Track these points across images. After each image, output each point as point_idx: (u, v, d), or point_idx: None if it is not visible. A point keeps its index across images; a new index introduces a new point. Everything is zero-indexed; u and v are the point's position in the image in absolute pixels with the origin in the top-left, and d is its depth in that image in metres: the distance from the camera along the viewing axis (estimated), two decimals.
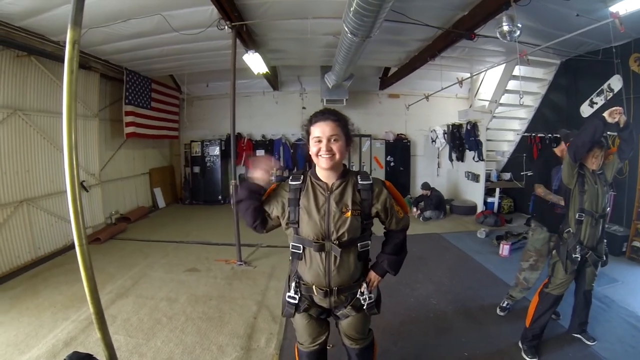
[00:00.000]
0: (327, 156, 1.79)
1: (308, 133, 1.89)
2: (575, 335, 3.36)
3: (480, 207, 8.53)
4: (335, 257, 1.85)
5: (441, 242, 6.57)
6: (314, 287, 1.93)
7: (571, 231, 2.99)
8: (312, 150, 1.84)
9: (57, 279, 4.92)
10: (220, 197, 10.47)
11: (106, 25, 5.33)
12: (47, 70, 5.94)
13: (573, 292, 3.32)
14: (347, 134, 1.88)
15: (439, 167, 10.84)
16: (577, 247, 2.94)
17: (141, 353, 3.22)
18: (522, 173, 8.22)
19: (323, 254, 1.86)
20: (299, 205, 1.88)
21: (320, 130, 1.80)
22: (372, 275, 2.04)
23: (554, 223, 3.43)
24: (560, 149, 3.71)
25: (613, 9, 4.19)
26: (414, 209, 8.48)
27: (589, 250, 2.98)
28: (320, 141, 1.80)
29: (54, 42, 5.68)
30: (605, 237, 3.13)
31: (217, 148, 10.45)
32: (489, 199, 8.58)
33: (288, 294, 2.02)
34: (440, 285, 4.60)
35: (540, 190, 3.77)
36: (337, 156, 1.81)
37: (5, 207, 5.25)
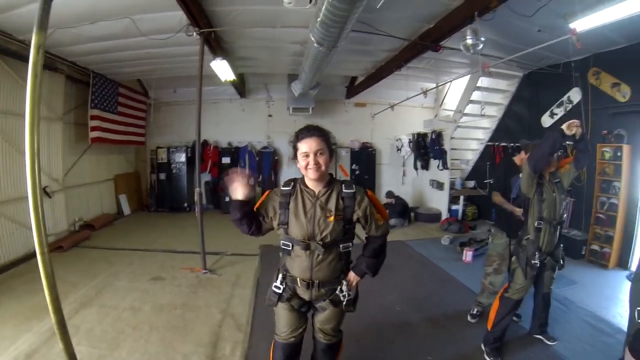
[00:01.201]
0: (315, 168, 2.02)
1: (295, 149, 2.13)
2: (536, 336, 3.52)
3: (444, 215, 8.73)
4: (318, 255, 2.10)
5: (406, 249, 6.68)
6: (298, 279, 2.18)
7: (530, 238, 3.14)
8: (301, 163, 2.07)
9: (18, 289, 4.75)
10: (186, 204, 10.30)
11: (74, 26, 5.22)
12: (10, 69, 5.72)
13: (533, 295, 3.48)
14: (330, 147, 2.12)
15: (404, 175, 11.06)
16: (536, 253, 3.08)
17: None
18: (485, 181, 8.48)
19: (308, 252, 2.10)
20: (288, 208, 2.13)
21: (308, 146, 2.04)
22: (352, 275, 2.26)
23: (513, 228, 3.61)
24: (520, 158, 3.89)
25: (572, 25, 4.42)
26: None
27: (547, 255, 3.14)
28: (307, 155, 2.04)
29: (19, 41, 5.49)
30: (565, 241, 3.35)
31: (184, 155, 10.31)
32: (454, 207, 8.81)
33: (274, 284, 2.26)
34: (405, 292, 4.69)
35: (497, 198, 3.98)
36: (323, 167, 2.05)
37: None
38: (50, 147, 6.90)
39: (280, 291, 2.23)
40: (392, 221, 8.29)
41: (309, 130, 2.08)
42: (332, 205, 2.09)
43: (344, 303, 2.23)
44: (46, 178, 6.69)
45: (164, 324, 3.84)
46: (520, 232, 3.29)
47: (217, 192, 10.54)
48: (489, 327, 3.33)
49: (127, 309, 4.19)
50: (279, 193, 2.18)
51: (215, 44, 5.80)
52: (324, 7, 3.56)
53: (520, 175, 3.25)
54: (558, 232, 3.17)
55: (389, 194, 8.94)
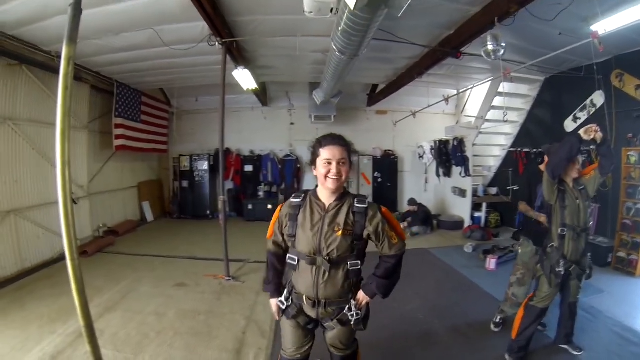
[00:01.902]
0: (336, 178, 1.97)
1: (316, 155, 2.06)
2: (562, 346, 3.43)
3: (467, 222, 8.62)
4: (325, 272, 2.01)
5: (428, 257, 6.63)
6: (304, 296, 2.10)
7: (554, 246, 3.07)
8: (321, 171, 2.00)
9: (43, 291, 4.87)
10: (208, 211, 10.42)
11: (98, 38, 5.38)
12: (38, 80, 5.92)
13: (559, 304, 3.40)
14: (351, 159, 2.08)
15: (426, 182, 10.94)
16: (561, 261, 3.01)
17: None
18: (508, 187, 8.37)
19: (314, 268, 2.03)
20: (296, 220, 2.07)
21: (331, 153, 1.98)
22: (361, 294, 2.14)
23: (540, 237, 3.50)
24: (545, 165, 3.80)
25: (594, 27, 4.35)
26: (401, 225, 8.49)
27: (573, 263, 3.05)
28: (330, 163, 1.98)
29: (46, 52, 5.70)
30: (591, 249, 3.24)
31: (206, 163, 10.43)
32: (476, 214, 8.69)
33: (280, 298, 2.21)
34: (427, 301, 4.64)
35: (522, 206, 3.93)
36: (343, 178, 2.00)
37: None
38: (75, 155, 7.08)
39: (284, 307, 2.19)
40: (415, 229, 8.26)
41: (334, 138, 2.03)
42: (341, 219, 2.01)
43: (353, 322, 2.13)
44: (72, 185, 6.81)
45: (188, 329, 3.88)
46: (545, 239, 3.23)
47: (239, 199, 10.63)
48: (514, 336, 3.27)
49: (152, 314, 4.24)
50: (289, 205, 2.13)
51: (237, 54, 5.88)
52: (345, 16, 3.59)
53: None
54: (584, 240, 3.09)
55: (412, 202, 8.87)
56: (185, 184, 10.61)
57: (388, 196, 10.64)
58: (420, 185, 11.03)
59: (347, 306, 2.11)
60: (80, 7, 1.73)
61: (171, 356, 3.38)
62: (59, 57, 5.83)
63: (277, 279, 2.27)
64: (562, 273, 3.03)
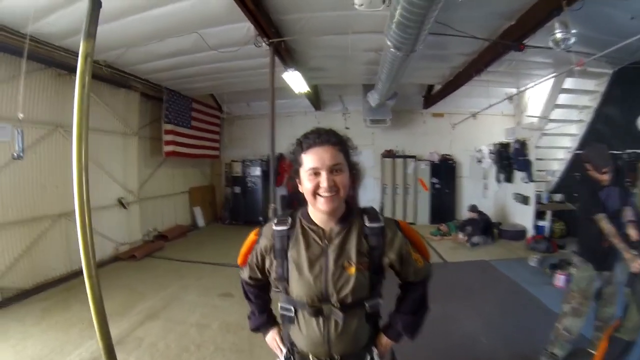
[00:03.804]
0: (329, 195, 1.36)
1: (297, 163, 1.45)
2: None
3: (530, 232, 7.98)
4: (337, 322, 1.43)
5: (490, 270, 6.12)
6: (310, 356, 1.51)
7: None
8: (306, 186, 1.39)
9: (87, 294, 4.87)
10: (261, 217, 10.17)
11: (144, 45, 5.40)
12: None
13: None
14: (350, 162, 1.47)
15: (485, 188, 10.27)
16: None
17: None
18: (575, 194, 7.65)
19: (321, 319, 1.44)
20: (286, 257, 1.47)
21: (318, 159, 1.37)
22: (384, 340, 1.61)
23: (601, 258, 2.95)
24: None
25: None
26: (460, 234, 8.05)
27: None
28: (317, 174, 1.37)
29: (94, 61, 5.74)
30: None
31: (258, 168, 10.33)
32: (540, 223, 7.98)
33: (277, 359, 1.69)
34: (490, 322, 4.16)
35: (604, 225, 2.88)
36: (341, 193, 1.38)
37: (45, 219, 5.40)
38: (126, 160, 7.21)
39: None
40: (475, 239, 7.71)
41: (320, 135, 1.41)
42: (351, 249, 1.43)
43: None
44: (122, 190, 7.00)
45: (230, 345, 3.67)
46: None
47: (293, 206, 10.36)
48: None
49: (194, 325, 4.09)
50: (271, 235, 1.53)
51: (286, 54, 5.70)
52: (399, 6, 3.28)
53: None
54: None
55: (473, 208, 8.34)
56: (237, 189, 10.57)
57: (447, 203, 10.17)
58: (479, 192, 10.36)
59: (369, 357, 1.55)
60: (100, 0, 1.54)
61: None
62: (107, 65, 6.02)
63: (266, 308, 1.81)
64: None
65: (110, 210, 6.70)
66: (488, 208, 9.17)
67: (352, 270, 1.40)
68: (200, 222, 10.12)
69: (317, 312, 1.42)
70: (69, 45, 5.21)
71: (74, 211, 5.64)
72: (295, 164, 1.47)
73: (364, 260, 1.44)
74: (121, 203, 6.87)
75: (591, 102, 7.57)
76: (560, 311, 3.26)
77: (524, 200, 8.17)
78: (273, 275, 1.52)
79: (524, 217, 8.31)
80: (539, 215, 8.04)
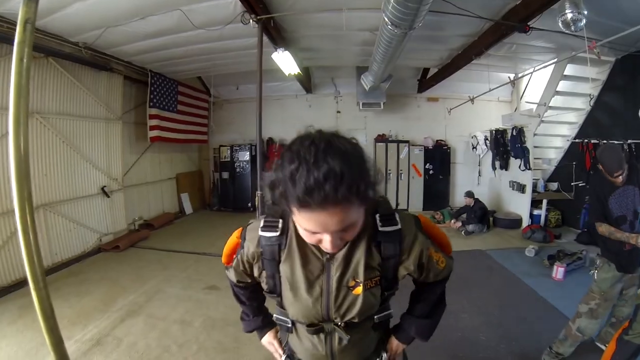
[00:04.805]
0: (332, 247, 1.00)
1: (289, 208, 0.93)
2: None
3: (526, 220, 7.81)
4: (341, 340, 1.22)
5: (486, 260, 5.91)
6: None
7: None
8: (304, 237, 1.04)
9: (69, 289, 4.65)
10: (250, 204, 9.99)
11: (124, 24, 5.07)
12: (66, 72, 5.74)
13: None
14: (365, 199, 0.93)
15: (479, 175, 10.09)
16: None
17: None
18: (572, 183, 7.48)
19: (322, 335, 1.23)
20: (278, 271, 1.19)
21: (319, 225, 0.92)
22: (394, 344, 1.43)
23: (624, 260, 2.79)
24: None
25: None
26: (454, 222, 7.87)
27: None
28: (317, 233, 0.97)
29: (73, 43, 5.56)
30: None
31: (247, 153, 10.05)
32: (535, 212, 7.84)
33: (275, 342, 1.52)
34: (489, 316, 3.96)
35: (603, 228, 2.84)
36: (349, 239, 1.06)
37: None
38: (109, 147, 6.88)
39: None
40: (471, 227, 7.53)
41: (320, 187, 0.83)
42: (359, 264, 1.13)
43: None
44: (105, 178, 6.70)
45: (214, 344, 3.43)
46: None
47: None
48: None
49: (177, 322, 3.85)
50: (257, 242, 1.20)
51: (276, 33, 5.39)
52: None
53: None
54: None
55: (469, 194, 8.11)
56: (225, 175, 10.29)
57: (441, 189, 10.01)
58: (473, 178, 10.20)
59: None
60: None
61: None
62: (86, 47, 5.68)
63: (260, 309, 1.58)
64: None
65: (92, 199, 6.39)
66: (482, 195, 8.95)
67: (359, 290, 1.14)
68: (188, 209, 9.84)
69: (317, 330, 1.21)
70: (45, 26, 4.95)
71: (57, 201, 5.45)
72: (287, 208, 0.94)
73: (374, 275, 1.16)
74: (104, 192, 6.56)
75: (592, 90, 7.35)
76: (577, 311, 3.06)
77: (521, 188, 7.98)
78: (263, 286, 1.26)
79: (519, 206, 8.14)
80: (534, 204, 7.89)
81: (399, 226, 1.15)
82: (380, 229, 1.14)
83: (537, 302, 4.37)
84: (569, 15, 3.83)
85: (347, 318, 1.17)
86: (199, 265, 5.66)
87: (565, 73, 7.11)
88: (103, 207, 6.65)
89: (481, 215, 7.73)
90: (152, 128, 7.72)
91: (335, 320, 1.18)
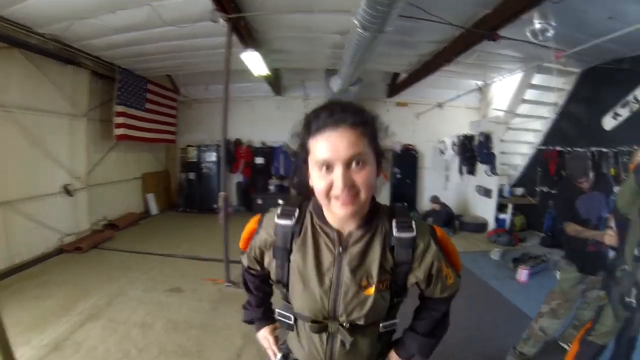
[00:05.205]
0: (346, 198, 1.00)
1: (305, 149, 1.07)
2: None
3: (491, 224, 7.99)
4: (343, 342, 1.18)
5: None
6: None
7: (627, 269, 2.37)
8: (316, 185, 1.04)
9: (28, 292, 4.46)
10: (215, 205, 9.77)
11: (93, 17, 4.92)
12: (33, 65, 5.51)
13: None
14: (377, 148, 1.07)
15: (447, 180, 10.18)
16: (633, 289, 2.33)
17: None
18: (537, 188, 7.71)
19: (324, 335, 1.19)
20: (288, 260, 1.18)
21: (330, 148, 0.98)
22: (394, 359, 1.38)
23: (586, 262, 2.90)
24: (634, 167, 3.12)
25: None
26: None
27: None
28: (329, 167, 1.00)
29: (39, 34, 5.30)
30: None
31: (214, 154, 9.92)
32: (501, 216, 8.01)
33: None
34: (454, 317, 3.84)
35: (571, 228, 2.94)
36: (363, 196, 1.02)
37: None
38: (73, 144, 6.64)
39: None
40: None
41: (333, 113, 1.01)
42: (373, 264, 1.13)
43: None
44: (68, 176, 6.45)
45: (176, 347, 3.34)
46: (614, 261, 2.56)
47: (249, 193, 10.12)
48: None
49: (137, 325, 3.74)
50: (273, 228, 1.21)
51: (246, 33, 5.32)
52: None
53: (620, 188, 2.56)
54: None
55: (434, 199, 8.22)
56: (192, 175, 10.15)
57: (408, 193, 10.07)
58: (440, 183, 10.28)
59: None
60: None
61: None
62: (53, 39, 5.47)
63: (264, 301, 1.56)
64: (634, 305, 2.33)
65: (54, 198, 6.13)
66: (449, 200, 9.10)
67: (371, 291, 1.12)
68: (154, 209, 9.60)
69: (320, 329, 1.18)
70: (12, 14, 4.73)
71: (17, 200, 5.25)
72: (301, 151, 1.10)
73: (387, 278, 1.15)
74: (66, 190, 6.32)
75: (557, 100, 7.60)
76: (539, 311, 3.17)
77: (487, 193, 8.16)
78: (272, 275, 1.27)
79: (485, 210, 8.31)
80: (500, 208, 8.06)
81: (414, 233, 1.15)
82: (395, 234, 1.14)
83: (502, 304, 4.49)
84: (538, 26, 3.93)
85: (353, 317, 1.14)
86: (163, 267, 5.54)
87: (532, 82, 7.31)
88: (65, 206, 6.40)
89: (447, 219, 7.84)
90: (118, 126, 7.47)
91: (341, 319, 1.15)
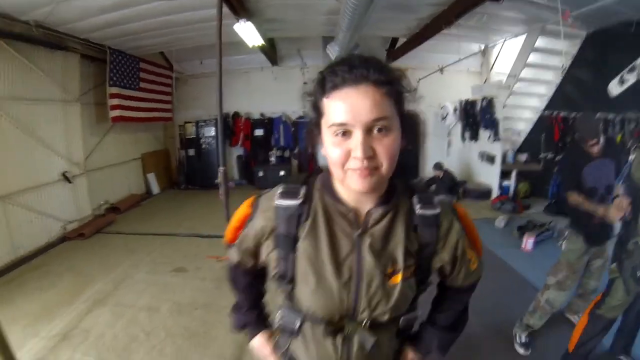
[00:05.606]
0: (366, 169, 0.82)
1: (318, 111, 0.90)
2: (620, 357, 2.78)
3: (495, 191, 7.90)
4: (362, 345, 0.99)
5: None
6: None
7: (639, 242, 2.27)
8: (330, 154, 0.86)
9: (33, 283, 4.45)
10: (216, 180, 9.76)
11: None
12: (19, 54, 5.31)
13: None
14: (402, 112, 0.90)
15: (449, 146, 10.05)
16: None
17: None
18: (541, 155, 7.59)
19: (339, 339, 0.99)
20: (294, 251, 0.97)
21: (348, 108, 0.80)
22: (410, 357, 1.20)
23: (593, 233, 2.82)
24: None
25: None
26: None
27: None
28: (347, 133, 0.82)
29: (23, 22, 5.09)
30: None
31: (213, 129, 9.77)
32: (504, 182, 7.89)
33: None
34: None
35: (573, 198, 2.82)
36: (385, 168, 0.85)
37: None
38: (68, 130, 6.50)
39: None
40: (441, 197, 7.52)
41: (352, 67, 0.82)
42: (398, 247, 0.96)
43: None
44: (66, 163, 6.36)
45: (182, 330, 3.35)
46: (625, 232, 2.44)
47: (250, 166, 10.06)
48: (571, 348, 2.59)
49: (143, 309, 3.74)
50: (274, 212, 0.99)
51: (237, 3, 5.15)
52: None
53: (632, 157, 2.45)
54: None
55: (437, 166, 8.03)
56: (191, 152, 10.07)
57: (410, 161, 9.94)
58: (442, 149, 10.11)
59: None
60: None
61: None
62: (38, 25, 5.27)
63: (257, 303, 1.34)
64: None
65: (53, 186, 6.05)
66: (452, 165, 8.95)
67: (398, 279, 0.95)
68: (155, 189, 9.57)
69: (335, 331, 0.99)
70: None
71: (16, 192, 5.17)
72: (314, 113, 0.92)
73: (412, 263, 0.98)
74: (65, 177, 6.25)
75: (562, 63, 7.38)
76: (545, 283, 3.09)
77: (490, 159, 8.05)
78: (272, 270, 1.04)
79: (489, 177, 8.22)
80: (504, 174, 7.95)
81: (439, 210, 1.00)
82: (417, 211, 0.99)
83: (508, 274, 4.45)
84: None
85: (377, 312, 0.96)
86: (166, 247, 5.55)
87: (536, 45, 7.09)
88: (65, 193, 6.34)
89: (450, 186, 7.75)
90: (113, 108, 7.33)
91: (362, 316, 0.96)
